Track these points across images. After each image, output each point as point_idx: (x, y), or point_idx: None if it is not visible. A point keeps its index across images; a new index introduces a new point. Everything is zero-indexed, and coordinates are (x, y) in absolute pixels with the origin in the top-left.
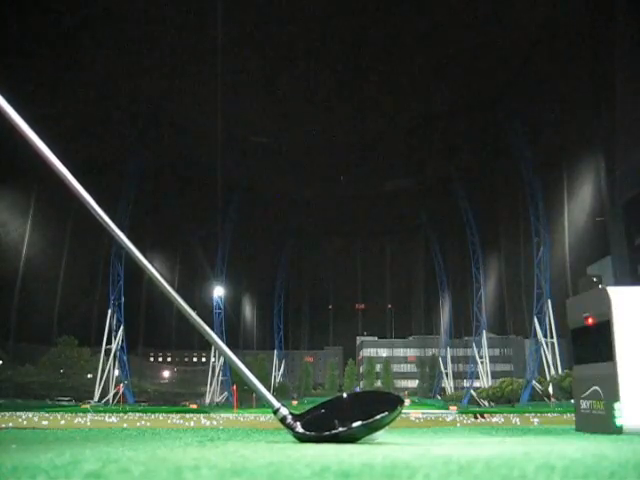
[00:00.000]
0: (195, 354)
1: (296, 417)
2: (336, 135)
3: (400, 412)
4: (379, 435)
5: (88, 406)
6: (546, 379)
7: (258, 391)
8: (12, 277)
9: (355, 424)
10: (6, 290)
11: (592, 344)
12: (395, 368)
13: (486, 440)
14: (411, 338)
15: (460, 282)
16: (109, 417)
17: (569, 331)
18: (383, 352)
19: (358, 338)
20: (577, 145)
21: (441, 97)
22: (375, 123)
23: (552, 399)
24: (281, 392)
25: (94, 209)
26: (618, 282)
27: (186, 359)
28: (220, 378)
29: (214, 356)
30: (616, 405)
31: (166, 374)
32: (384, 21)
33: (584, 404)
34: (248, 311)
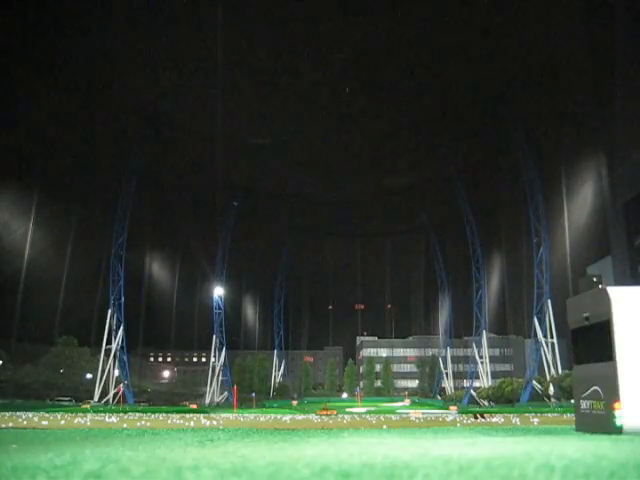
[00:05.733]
0: (195, 354)
1: None
2: (336, 136)
3: None
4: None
5: (88, 406)
6: (546, 379)
7: None
8: (14, 277)
9: None
10: (7, 290)
11: (592, 344)
12: (395, 368)
13: (486, 440)
14: (411, 338)
15: (460, 282)
16: (109, 417)
17: (569, 331)
18: (383, 352)
19: (358, 338)
20: (577, 145)
21: (442, 97)
22: (375, 124)
23: (552, 399)
24: (281, 392)
25: None
26: (618, 282)
27: (186, 359)
28: (220, 378)
29: (214, 356)
30: (617, 413)
31: (166, 374)
32: (385, 22)
33: (584, 404)
34: (248, 311)
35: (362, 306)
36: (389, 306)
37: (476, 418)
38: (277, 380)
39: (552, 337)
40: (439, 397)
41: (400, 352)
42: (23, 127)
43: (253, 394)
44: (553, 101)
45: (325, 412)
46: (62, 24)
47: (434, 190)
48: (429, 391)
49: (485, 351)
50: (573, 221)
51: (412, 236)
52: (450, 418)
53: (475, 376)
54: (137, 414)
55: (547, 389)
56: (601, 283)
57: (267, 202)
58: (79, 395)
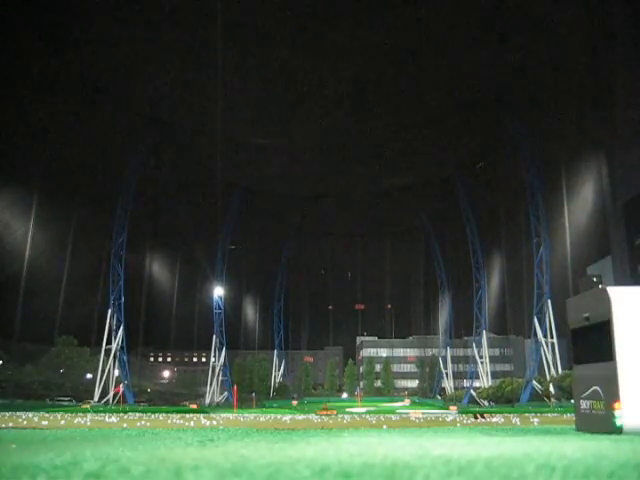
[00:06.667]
0: (195, 354)
1: None
2: (336, 136)
3: None
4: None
5: (88, 406)
6: (546, 379)
7: None
8: (14, 277)
9: None
10: (7, 290)
11: (592, 344)
12: (395, 368)
13: (486, 440)
14: (411, 338)
15: (460, 282)
16: (109, 417)
17: (569, 331)
18: (383, 352)
19: (358, 338)
20: (577, 145)
21: (442, 97)
22: (375, 123)
23: (552, 399)
24: (281, 392)
25: None
26: (618, 282)
27: (186, 359)
28: (220, 378)
29: (214, 356)
30: (617, 413)
31: (166, 374)
32: (386, 22)
33: (584, 404)
34: (248, 311)
35: (362, 306)
36: (389, 306)
37: (476, 418)
38: (277, 380)
39: (552, 337)
40: (439, 397)
41: (400, 352)
42: (23, 127)
43: (253, 394)
44: (553, 101)
45: (325, 412)
46: (62, 24)
47: (434, 190)
48: (429, 391)
49: (485, 351)
50: (573, 221)
51: (412, 236)
52: (450, 418)
53: (475, 376)
54: (137, 414)
55: (547, 389)
56: (601, 283)
57: (267, 202)
58: (79, 395)
